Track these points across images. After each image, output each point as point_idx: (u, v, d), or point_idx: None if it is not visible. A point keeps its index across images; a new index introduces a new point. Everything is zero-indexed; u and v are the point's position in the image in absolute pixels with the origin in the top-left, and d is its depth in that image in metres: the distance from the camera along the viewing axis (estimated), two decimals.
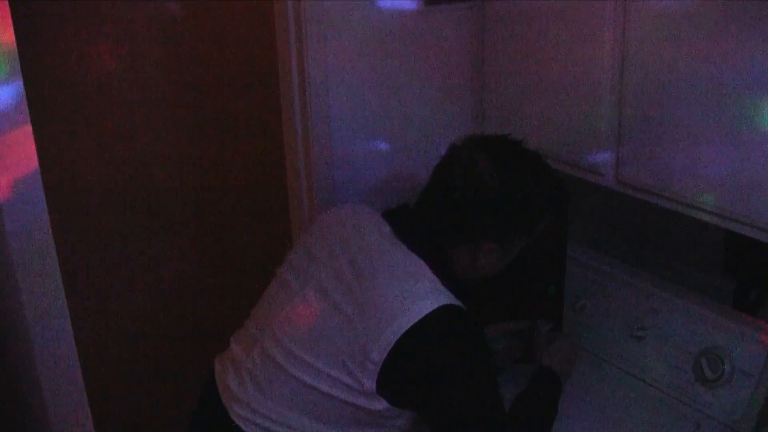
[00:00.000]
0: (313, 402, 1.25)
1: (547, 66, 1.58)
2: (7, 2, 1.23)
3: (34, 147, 1.31)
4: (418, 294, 1.22)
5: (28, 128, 1.30)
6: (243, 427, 1.28)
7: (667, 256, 1.79)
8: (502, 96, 1.73)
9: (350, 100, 1.66)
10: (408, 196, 1.79)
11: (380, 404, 1.22)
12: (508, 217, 1.31)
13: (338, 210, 1.48)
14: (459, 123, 1.82)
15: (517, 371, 1.54)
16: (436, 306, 1.20)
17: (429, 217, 1.35)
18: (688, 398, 1.48)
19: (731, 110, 1.25)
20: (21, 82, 1.27)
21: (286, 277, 1.38)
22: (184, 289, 2.42)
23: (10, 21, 1.24)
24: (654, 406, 1.50)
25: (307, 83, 1.60)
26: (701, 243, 1.68)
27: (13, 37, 1.24)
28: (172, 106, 2.28)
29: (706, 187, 1.32)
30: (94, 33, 2.09)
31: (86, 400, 1.50)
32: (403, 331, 1.18)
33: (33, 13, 1.95)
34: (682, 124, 1.33)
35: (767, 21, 1.16)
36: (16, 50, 1.25)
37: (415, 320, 1.18)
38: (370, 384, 1.20)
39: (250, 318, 1.43)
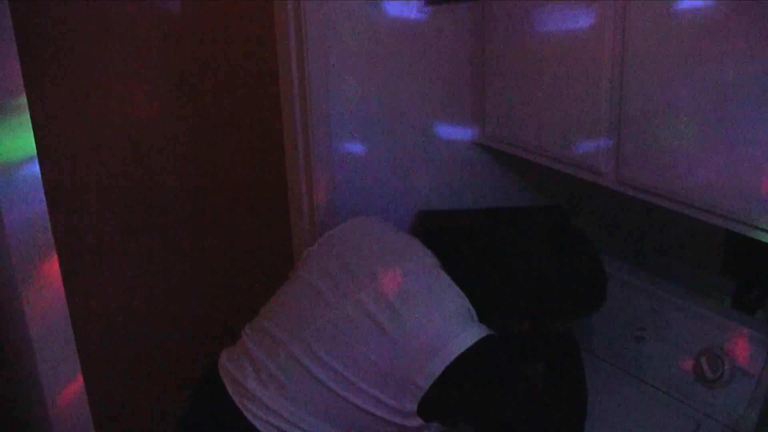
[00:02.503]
0: (344, 414, 1.28)
1: (547, 66, 1.58)
2: (6, 2, 1.23)
3: (34, 147, 1.31)
4: (463, 324, 1.28)
5: (29, 128, 1.30)
6: (259, 427, 1.29)
7: (667, 256, 1.79)
8: (502, 96, 1.73)
9: (350, 100, 1.67)
10: (408, 196, 1.80)
11: (415, 422, 1.27)
12: (552, 306, 1.38)
13: (368, 222, 1.51)
14: (459, 123, 1.82)
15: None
16: (480, 336, 1.26)
17: (482, 275, 1.38)
18: (688, 398, 1.48)
19: (731, 110, 1.24)
20: (21, 82, 1.27)
21: (316, 284, 1.38)
22: (184, 289, 2.42)
23: (10, 21, 1.24)
24: (654, 406, 1.50)
25: (307, 83, 1.60)
26: (701, 243, 1.68)
27: (13, 38, 1.24)
28: (172, 106, 2.28)
29: (706, 187, 1.32)
30: (94, 33, 2.09)
31: (86, 399, 1.50)
32: (449, 361, 1.23)
33: (33, 13, 1.96)
34: (682, 124, 1.33)
35: (767, 20, 1.16)
36: (16, 50, 1.25)
37: (463, 350, 1.24)
38: (411, 406, 1.25)
39: (267, 317, 1.42)
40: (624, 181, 1.48)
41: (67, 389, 1.45)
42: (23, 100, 1.28)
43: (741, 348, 1.43)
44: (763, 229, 1.26)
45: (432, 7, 1.69)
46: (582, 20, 1.47)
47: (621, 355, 1.60)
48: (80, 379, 1.48)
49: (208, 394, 1.40)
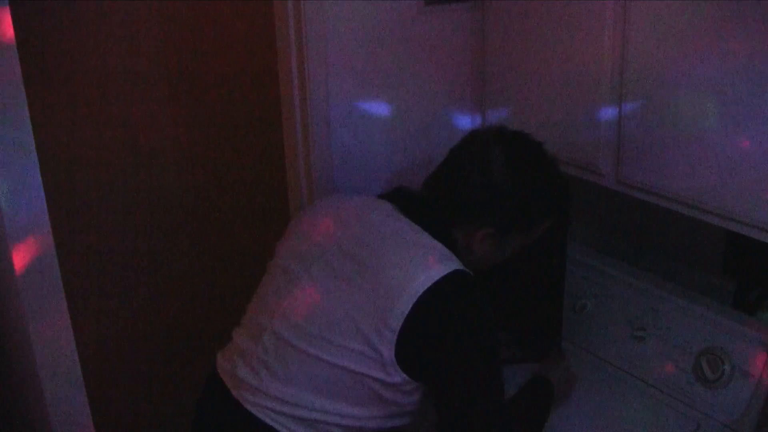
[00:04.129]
0: (331, 379, 1.26)
1: (547, 66, 1.58)
2: (7, 2, 1.23)
3: (34, 147, 1.31)
4: (430, 260, 1.25)
5: (28, 128, 1.30)
6: (257, 414, 1.29)
7: (667, 256, 1.79)
8: (502, 96, 1.73)
9: (350, 99, 1.67)
10: None
11: (398, 376, 1.24)
12: (509, 211, 1.34)
13: (326, 200, 1.51)
14: (459, 123, 1.82)
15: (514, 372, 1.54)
16: (448, 270, 1.23)
17: (434, 195, 1.39)
18: (688, 398, 1.48)
19: (731, 110, 1.24)
20: (21, 82, 1.27)
21: (285, 264, 1.38)
22: (184, 289, 2.42)
23: (10, 21, 1.24)
24: (654, 406, 1.50)
25: (307, 83, 1.60)
26: (701, 243, 1.68)
27: (13, 37, 1.24)
28: (172, 106, 2.28)
29: (706, 187, 1.32)
30: (94, 33, 2.09)
31: (86, 400, 1.50)
32: (417, 295, 1.21)
33: (33, 13, 1.95)
34: (682, 124, 1.33)
35: (767, 20, 1.16)
36: (16, 50, 1.25)
37: (429, 284, 1.21)
38: (389, 352, 1.22)
39: (249, 312, 1.43)
40: (624, 181, 1.48)
41: (67, 389, 1.45)
42: (23, 100, 1.28)
43: (741, 348, 1.43)
44: (763, 229, 1.26)
45: (432, 7, 1.69)
46: (582, 20, 1.47)
47: (621, 355, 1.60)
48: (80, 379, 1.48)
49: (211, 395, 1.40)
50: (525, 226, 1.38)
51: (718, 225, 1.33)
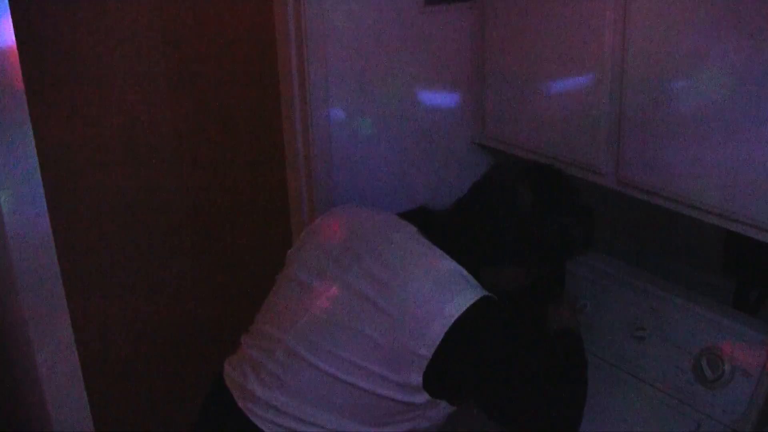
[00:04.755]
0: (346, 398, 1.26)
1: (547, 66, 1.58)
2: (7, 2, 1.23)
3: (34, 147, 1.31)
4: (458, 287, 1.26)
5: (28, 128, 1.30)
6: (263, 427, 1.28)
7: (667, 256, 1.79)
8: (502, 96, 1.73)
9: (350, 100, 1.66)
10: (407, 196, 1.80)
11: (421, 397, 1.24)
12: (539, 247, 1.34)
13: (343, 211, 1.49)
14: (459, 123, 1.82)
15: None
16: (476, 298, 1.24)
17: (462, 226, 1.37)
18: (688, 398, 1.48)
19: (731, 109, 1.24)
20: (21, 82, 1.27)
21: (302, 278, 1.37)
22: (184, 289, 2.42)
23: (10, 20, 1.24)
24: (654, 406, 1.50)
25: (307, 83, 1.60)
26: (701, 243, 1.68)
27: (13, 38, 1.24)
28: (172, 106, 2.28)
29: (706, 187, 1.32)
30: (94, 33, 2.09)
31: (86, 400, 1.50)
32: (449, 324, 1.21)
33: (33, 13, 1.96)
34: (683, 124, 1.33)
35: (767, 20, 1.16)
36: (16, 50, 1.25)
37: (461, 311, 1.21)
38: (417, 379, 1.22)
39: (261, 321, 1.41)
40: (624, 181, 1.48)
41: (67, 389, 1.45)
42: (23, 100, 1.28)
43: (741, 348, 1.43)
44: (763, 229, 1.26)
45: (432, 7, 1.69)
46: (582, 20, 1.47)
47: (621, 355, 1.60)
48: (80, 379, 1.48)
49: (216, 403, 1.39)
50: (553, 259, 1.41)
51: (718, 225, 1.33)
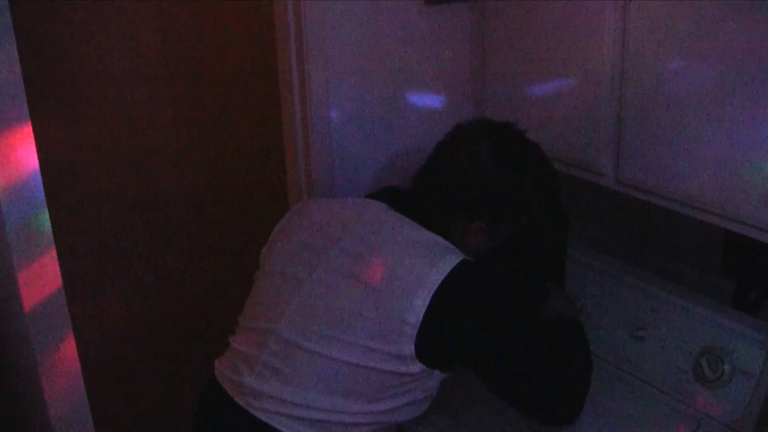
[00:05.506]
0: (345, 377, 1.27)
1: (547, 66, 1.58)
2: (7, 2, 1.23)
3: (34, 147, 1.31)
4: (438, 253, 1.28)
5: (28, 128, 1.30)
6: (266, 420, 1.28)
7: (667, 256, 1.79)
8: (502, 96, 1.73)
9: (350, 100, 1.66)
10: None
11: (416, 367, 1.25)
12: (501, 205, 1.38)
13: (308, 203, 1.52)
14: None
15: None
16: (456, 261, 1.25)
17: (428, 192, 1.41)
18: (688, 398, 1.48)
19: (731, 110, 1.24)
20: (21, 82, 1.27)
21: (283, 270, 1.38)
22: (184, 289, 2.42)
23: (10, 20, 1.24)
24: (654, 406, 1.50)
25: (307, 83, 1.60)
26: (701, 243, 1.68)
27: (13, 38, 1.24)
28: (172, 106, 2.28)
29: (706, 187, 1.32)
30: (94, 33, 2.09)
31: (86, 400, 1.50)
32: (434, 288, 1.22)
33: (33, 13, 1.95)
34: (682, 124, 1.33)
35: (767, 20, 1.16)
36: (16, 50, 1.25)
37: (443, 277, 1.23)
38: (409, 347, 1.23)
39: (247, 320, 1.42)
40: (624, 181, 1.48)
41: (67, 389, 1.46)
42: (23, 100, 1.28)
43: (741, 348, 1.43)
44: (763, 229, 1.26)
45: (432, 7, 1.69)
46: (582, 20, 1.47)
47: (621, 355, 1.60)
48: (80, 379, 1.48)
49: (213, 405, 1.39)
50: (515, 215, 1.41)
51: (718, 225, 1.33)
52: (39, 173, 1.32)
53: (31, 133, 1.30)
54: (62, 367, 1.44)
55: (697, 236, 1.66)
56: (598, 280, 1.68)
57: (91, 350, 1.77)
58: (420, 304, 1.22)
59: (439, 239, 1.32)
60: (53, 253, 1.37)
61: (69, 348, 1.44)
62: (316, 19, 1.56)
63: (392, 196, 1.43)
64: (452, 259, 1.26)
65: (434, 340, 1.24)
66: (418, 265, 1.25)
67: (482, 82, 1.77)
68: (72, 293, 1.45)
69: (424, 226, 1.34)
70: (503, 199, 1.37)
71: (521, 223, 1.42)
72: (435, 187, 1.40)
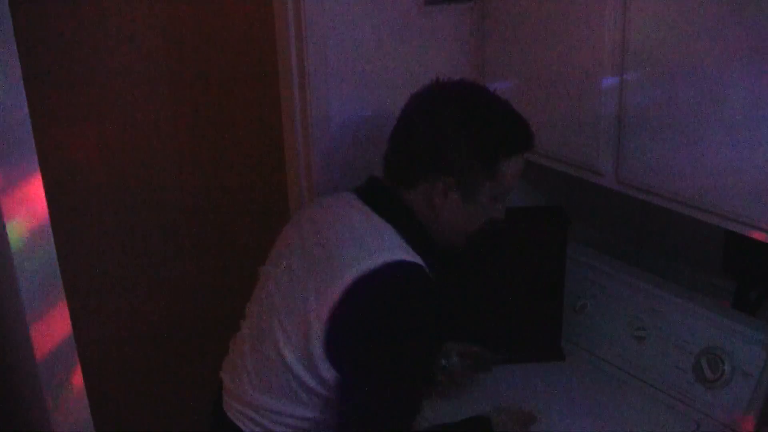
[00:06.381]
0: (287, 383, 1.22)
1: (547, 66, 1.58)
2: (7, 2, 1.23)
3: (34, 147, 1.31)
4: (374, 250, 1.15)
5: (28, 128, 1.29)
6: (235, 421, 1.29)
7: (667, 256, 1.79)
8: (502, 96, 1.73)
9: (350, 100, 1.66)
10: None
11: (328, 373, 1.15)
12: (463, 152, 1.21)
13: (309, 202, 1.52)
14: None
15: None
16: (390, 259, 1.13)
17: (389, 160, 1.29)
18: (688, 398, 1.48)
19: (731, 110, 1.24)
20: (21, 82, 1.27)
21: (267, 271, 1.38)
22: (184, 289, 2.42)
23: (10, 20, 1.24)
24: (654, 406, 1.50)
25: (307, 83, 1.60)
26: (701, 243, 1.68)
27: (13, 38, 1.24)
28: (172, 106, 2.28)
29: (706, 187, 1.32)
30: (94, 33, 2.09)
31: (86, 400, 1.50)
32: (347, 284, 1.11)
33: (33, 13, 1.95)
34: (682, 124, 1.33)
35: (767, 17, 1.16)
36: (16, 50, 1.25)
37: (363, 273, 1.11)
38: (318, 345, 1.13)
39: (243, 321, 1.43)
40: (624, 181, 1.48)
41: (67, 390, 1.45)
42: (23, 100, 1.28)
43: (741, 348, 1.43)
44: (763, 229, 1.26)
45: (432, 7, 1.69)
46: (582, 19, 1.47)
47: (621, 355, 1.60)
48: (80, 379, 1.48)
49: (217, 408, 1.40)
50: (487, 169, 1.23)
51: (718, 225, 1.33)
52: (39, 173, 1.32)
53: (31, 133, 1.30)
54: (62, 366, 1.44)
55: (697, 236, 1.66)
56: (598, 280, 1.68)
57: (91, 350, 1.76)
58: (331, 298, 1.12)
59: (388, 233, 1.19)
60: (53, 252, 1.37)
61: (69, 348, 1.44)
62: (316, 19, 1.56)
63: (367, 185, 1.34)
64: (386, 255, 1.14)
65: (338, 341, 1.14)
66: (346, 260, 1.14)
67: (482, 81, 1.77)
68: (72, 293, 1.45)
69: (382, 208, 1.23)
70: (464, 147, 1.21)
71: (498, 178, 1.25)
72: (393, 156, 1.29)
